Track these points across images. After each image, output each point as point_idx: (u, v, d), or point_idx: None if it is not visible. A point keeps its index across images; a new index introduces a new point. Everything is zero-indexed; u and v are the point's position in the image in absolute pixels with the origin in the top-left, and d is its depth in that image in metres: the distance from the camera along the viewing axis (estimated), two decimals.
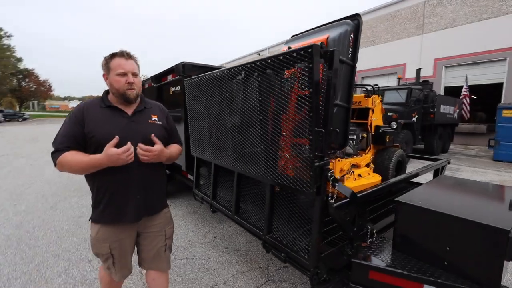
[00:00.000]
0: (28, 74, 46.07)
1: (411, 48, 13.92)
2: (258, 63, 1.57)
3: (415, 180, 2.53)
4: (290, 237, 1.69)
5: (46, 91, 52.88)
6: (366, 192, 1.63)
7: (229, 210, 2.25)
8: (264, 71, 1.57)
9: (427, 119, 8.67)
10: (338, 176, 2.26)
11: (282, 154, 1.56)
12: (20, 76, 43.95)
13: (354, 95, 2.94)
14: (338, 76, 1.85)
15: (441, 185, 2.13)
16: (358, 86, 3.30)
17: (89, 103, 1.45)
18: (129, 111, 1.46)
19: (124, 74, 1.38)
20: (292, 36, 2.67)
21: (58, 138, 1.36)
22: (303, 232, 1.62)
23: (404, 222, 1.66)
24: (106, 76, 1.43)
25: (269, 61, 1.48)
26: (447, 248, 1.45)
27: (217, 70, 2.01)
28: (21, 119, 34.17)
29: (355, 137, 2.63)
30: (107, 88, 1.47)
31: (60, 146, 1.32)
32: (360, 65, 16.63)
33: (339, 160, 2.25)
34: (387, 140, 2.77)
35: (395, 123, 7.02)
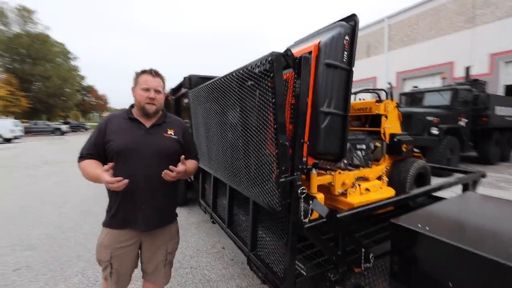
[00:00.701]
0: (90, 90, 52.73)
1: (460, 44, 12.47)
2: (232, 75, 1.53)
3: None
4: (272, 257, 1.58)
5: (103, 104, 59.82)
6: (348, 212, 1.45)
7: (223, 222, 2.22)
8: (242, 82, 1.53)
9: (479, 123, 7.62)
10: (340, 190, 2.08)
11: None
12: (83, 92, 50.41)
13: (365, 100, 2.72)
14: (318, 83, 1.72)
15: (459, 204, 1.81)
16: (369, 90, 3.02)
17: (114, 114, 1.58)
18: (148, 123, 1.53)
19: (147, 90, 1.48)
20: (295, 42, 2.58)
21: (85, 145, 1.51)
22: (283, 254, 1.50)
23: (400, 248, 1.44)
24: (133, 89, 1.54)
25: (234, 74, 1.43)
26: (450, 284, 1.21)
27: (207, 82, 2.03)
28: (83, 129, 38.99)
29: (364, 146, 2.40)
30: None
31: (83, 153, 1.47)
32: (399, 66, 15.51)
33: (339, 173, 2.07)
34: (404, 149, 2.47)
35: (436, 128, 6.32)
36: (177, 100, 4.06)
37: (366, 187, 2.21)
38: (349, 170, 2.24)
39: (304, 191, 1.27)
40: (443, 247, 1.22)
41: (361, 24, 14.54)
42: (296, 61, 1.30)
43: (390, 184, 2.54)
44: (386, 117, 2.52)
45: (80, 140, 21.43)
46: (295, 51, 2.08)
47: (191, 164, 1.64)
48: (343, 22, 1.92)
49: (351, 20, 1.93)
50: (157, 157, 1.47)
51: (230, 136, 1.72)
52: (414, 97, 8.19)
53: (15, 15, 31.31)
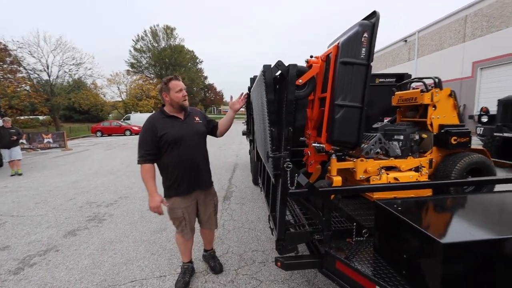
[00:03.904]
0: (210, 87, 62.99)
1: None
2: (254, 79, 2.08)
3: None
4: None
5: (220, 98, 70.17)
6: (329, 188, 1.73)
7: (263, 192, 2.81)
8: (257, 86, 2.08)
9: None
10: (362, 176, 2.26)
11: None
12: (205, 90, 60.79)
13: (410, 90, 2.62)
14: (335, 79, 1.99)
15: (478, 199, 1.68)
16: (415, 80, 2.76)
17: (153, 117, 2.11)
18: (182, 116, 2.14)
19: (181, 90, 2.07)
20: (328, 45, 2.76)
21: (142, 146, 2.00)
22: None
23: (379, 225, 1.64)
24: (166, 94, 2.06)
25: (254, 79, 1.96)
26: (404, 256, 1.39)
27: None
28: None
29: (401, 137, 2.38)
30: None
31: (142, 153, 2.00)
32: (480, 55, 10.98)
33: (361, 160, 2.24)
34: (453, 142, 2.26)
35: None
36: None
37: (395, 176, 2.25)
38: (380, 159, 2.34)
39: (289, 165, 1.69)
40: (400, 222, 1.39)
41: None
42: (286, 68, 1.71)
43: (436, 177, 2.40)
44: (434, 107, 2.35)
45: None
46: (325, 52, 2.36)
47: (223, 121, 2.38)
48: (364, 21, 2.06)
49: (372, 17, 2.05)
50: (197, 138, 2.17)
51: (259, 124, 2.29)
52: None
53: (162, 33, 41.22)
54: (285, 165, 1.69)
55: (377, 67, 24.29)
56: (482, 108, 6.73)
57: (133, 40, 40.41)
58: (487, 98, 13.11)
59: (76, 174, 7.43)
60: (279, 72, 1.88)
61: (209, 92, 63.97)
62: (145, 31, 40.65)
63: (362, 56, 2.05)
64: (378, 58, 24.27)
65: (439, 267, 1.12)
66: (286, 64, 1.99)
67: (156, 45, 41.22)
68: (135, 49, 40.58)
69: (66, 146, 13.13)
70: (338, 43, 2.13)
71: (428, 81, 2.58)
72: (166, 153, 2.07)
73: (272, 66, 1.80)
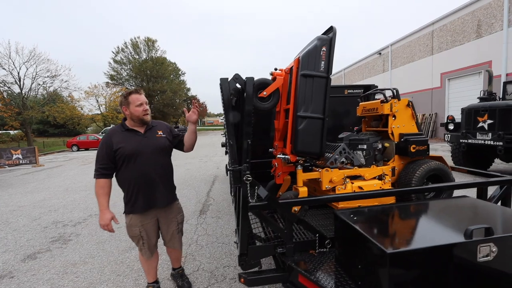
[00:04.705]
0: (193, 99, 62.93)
1: None
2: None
3: None
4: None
5: (204, 110, 69.95)
6: (288, 200, 1.74)
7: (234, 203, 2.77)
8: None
9: None
10: (328, 186, 2.28)
11: None
12: (188, 101, 60.46)
13: (371, 101, 2.72)
14: (297, 92, 2.03)
15: (437, 205, 1.75)
16: (376, 91, 2.89)
17: (112, 130, 2.09)
18: (142, 130, 2.06)
19: (141, 104, 2.00)
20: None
21: (97, 160, 1.94)
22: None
23: (337, 235, 1.64)
24: (125, 108, 1.99)
25: None
26: (359, 266, 1.39)
27: None
28: None
29: (365, 146, 2.45)
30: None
31: (97, 167, 1.94)
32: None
33: (326, 170, 2.27)
34: (412, 150, 2.35)
35: None
36: None
37: (359, 185, 2.30)
38: (345, 168, 2.38)
39: (249, 178, 1.68)
40: (354, 232, 1.40)
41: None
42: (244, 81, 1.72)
43: (398, 185, 2.47)
44: (394, 116, 2.46)
45: None
46: (289, 65, 2.42)
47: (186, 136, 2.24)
48: (322, 36, 2.14)
49: (330, 32, 2.13)
50: (157, 153, 2.07)
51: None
52: None
53: (143, 45, 40.92)
54: (244, 178, 1.67)
55: (354, 78, 25.29)
56: (448, 116, 7.13)
57: (113, 52, 39.78)
58: (455, 107, 13.93)
59: (45, 191, 7.01)
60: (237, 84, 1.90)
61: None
62: (125, 43, 40.13)
63: (321, 69, 2.11)
64: (356, 70, 25.35)
65: (386, 277, 1.12)
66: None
67: (137, 57, 40.77)
68: (115, 61, 39.90)
69: (38, 162, 12.45)
70: (299, 57, 2.19)
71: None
72: (122, 168, 1.99)
73: (229, 79, 1.82)
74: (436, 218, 1.55)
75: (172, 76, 45.66)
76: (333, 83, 2.34)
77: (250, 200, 1.71)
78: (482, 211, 1.60)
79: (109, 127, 26.74)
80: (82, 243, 3.63)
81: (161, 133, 2.17)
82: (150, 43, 41.49)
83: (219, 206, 4.95)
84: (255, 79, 2.41)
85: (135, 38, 40.29)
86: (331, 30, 2.14)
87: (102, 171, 1.95)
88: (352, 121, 3.92)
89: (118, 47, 39.84)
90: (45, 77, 22.78)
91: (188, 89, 55.63)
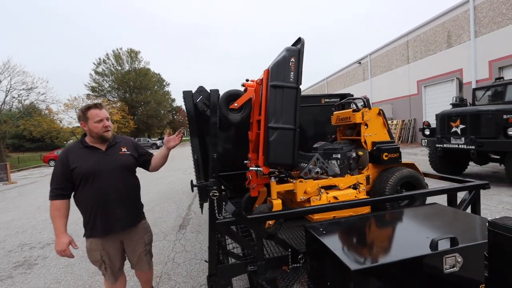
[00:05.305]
0: (179, 109, 62.15)
1: None
2: None
3: None
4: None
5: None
6: (258, 215, 1.67)
7: None
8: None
9: None
10: (303, 197, 2.24)
11: None
12: (173, 112, 59.75)
13: (344, 110, 2.74)
14: (267, 103, 2.00)
15: (408, 214, 1.74)
16: (349, 100, 2.94)
17: (70, 147, 1.92)
18: (103, 147, 1.90)
19: (101, 121, 1.82)
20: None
21: (52, 180, 1.77)
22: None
23: (308, 249, 1.59)
24: (83, 124, 1.82)
25: None
26: (328, 283, 1.33)
27: None
28: None
29: (339, 156, 2.44)
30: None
31: (52, 187, 1.76)
32: (492, 53, 12.84)
33: (300, 181, 2.23)
34: (385, 158, 2.37)
35: None
36: None
37: (334, 195, 2.27)
38: (319, 179, 2.35)
39: (216, 194, 1.60)
40: (322, 247, 1.35)
41: (438, 10, 13.18)
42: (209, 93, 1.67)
43: (373, 193, 2.46)
44: (366, 125, 2.48)
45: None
46: (261, 76, 2.40)
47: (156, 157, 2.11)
48: (290, 47, 2.15)
49: (298, 43, 2.14)
50: (119, 172, 1.89)
51: None
52: (495, 92, 6.76)
53: (126, 56, 40.40)
54: (211, 194, 1.60)
55: (337, 87, 25.96)
56: (424, 122, 7.38)
57: (94, 64, 38.95)
58: (432, 112, 14.47)
59: (14, 211, 6.58)
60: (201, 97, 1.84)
61: (178, 114, 62.96)
62: (107, 54, 39.46)
63: (291, 79, 2.10)
64: (337, 79, 26.05)
65: None
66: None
67: (120, 68, 40.12)
68: (96, 73, 39.01)
69: (10, 179, 11.75)
70: (268, 68, 2.17)
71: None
72: (79, 188, 1.83)
73: (193, 92, 1.76)
74: (405, 229, 1.53)
75: (156, 87, 45.15)
76: (316, 91, 2.34)
77: (218, 217, 1.63)
78: (450, 219, 1.60)
79: None
80: (48, 267, 3.37)
81: (125, 149, 2.00)
82: (133, 54, 41.03)
83: (200, 220, 4.80)
84: (226, 90, 2.38)
85: (117, 50, 39.75)
86: (299, 41, 2.15)
87: (58, 191, 1.78)
88: (331, 130, 3.94)
89: (99, 59, 39.12)
90: (20, 89, 21.89)
91: (173, 100, 55.13)
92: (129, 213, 1.94)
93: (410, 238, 1.36)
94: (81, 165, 1.79)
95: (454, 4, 13.48)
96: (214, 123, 1.77)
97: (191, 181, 1.66)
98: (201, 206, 1.64)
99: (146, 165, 2.14)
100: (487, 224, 0.98)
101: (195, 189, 1.66)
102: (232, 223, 1.61)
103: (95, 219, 1.83)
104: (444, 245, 1.19)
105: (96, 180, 1.81)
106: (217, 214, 1.62)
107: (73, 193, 1.88)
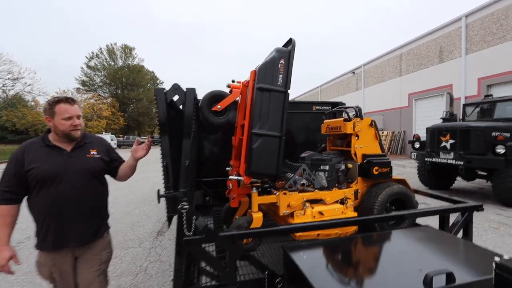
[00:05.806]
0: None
1: None
2: None
3: None
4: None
5: None
6: (230, 233, 1.49)
7: None
8: None
9: None
10: (285, 211, 2.06)
11: None
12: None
13: (334, 119, 2.60)
14: (252, 107, 1.82)
15: (398, 237, 1.58)
16: (341, 109, 2.81)
17: (29, 143, 1.63)
18: (69, 147, 1.63)
19: (70, 118, 1.57)
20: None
21: (2, 180, 1.53)
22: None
23: (287, 275, 1.41)
24: (49, 119, 1.58)
25: None
26: None
27: None
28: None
29: (327, 167, 2.28)
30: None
31: (1, 191, 1.50)
32: (481, 71, 13.07)
33: (284, 194, 2.05)
34: (375, 172, 2.23)
35: (503, 146, 5.17)
36: None
37: (320, 210, 2.10)
38: (305, 191, 2.18)
39: (185, 207, 1.41)
40: (301, 275, 1.17)
41: (431, 26, 13.47)
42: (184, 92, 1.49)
43: (361, 209, 2.31)
44: (357, 136, 2.34)
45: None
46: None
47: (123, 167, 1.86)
48: (280, 47, 1.99)
49: (289, 44, 1.99)
50: (83, 178, 1.62)
51: None
52: (484, 109, 6.82)
53: (120, 52, 39.75)
54: (179, 207, 1.40)
55: (331, 95, 26.14)
56: (414, 135, 7.38)
57: (87, 57, 38.11)
58: (421, 125, 14.68)
59: None
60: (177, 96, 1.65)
61: None
62: (100, 48, 38.70)
63: (279, 83, 1.94)
64: (332, 87, 26.26)
65: None
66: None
67: (113, 63, 39.43)
68: (88, 67, 38.18)
69: None
70: (255, 69, 2.01)
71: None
72: (33, 192, 1.56)
73: (167, 90, 1.57)
74: (395, 257, 1.37)
75: (149, 85, 44.51)
76: (309, 99, 2.18)
77: (187, 233, 1.43)
78: (444, 247, 1.45)
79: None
80: (4, 275, 3.06)
81: (95, 152, 1.72)
82: (127, 50, 40.43)
83: None
84: (210, 91, 2.20)
85: (111, 45, 39.08)
86: (290, 42, 1.99)
87: (6, 195, 1.51)
88: (322, 138, 3.81)
89: (92, 53, 38.32)
90: (6, 79, 21.08)
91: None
92: (88, 226, 1.66)
93: (401, 270, 1.20)
94: (39, 166, 1.52)
95: (447, 21, 13.77)
96: (189, 121, 1.57)
97: (158, 190, 1.46)
98: (169, 220, 1.44)
99: (114, 173, 1.89)
100: (493, 264, 0.83)
101: (162, 199, 1.46)
102: (202, 240, 1.41)
103: (47, 231, 1.56)
104: (439, 281, 1.03)
105: (55, 186, 1.55)
106: (185, 230, 1.42)
107: (26, 196, 1.61)
